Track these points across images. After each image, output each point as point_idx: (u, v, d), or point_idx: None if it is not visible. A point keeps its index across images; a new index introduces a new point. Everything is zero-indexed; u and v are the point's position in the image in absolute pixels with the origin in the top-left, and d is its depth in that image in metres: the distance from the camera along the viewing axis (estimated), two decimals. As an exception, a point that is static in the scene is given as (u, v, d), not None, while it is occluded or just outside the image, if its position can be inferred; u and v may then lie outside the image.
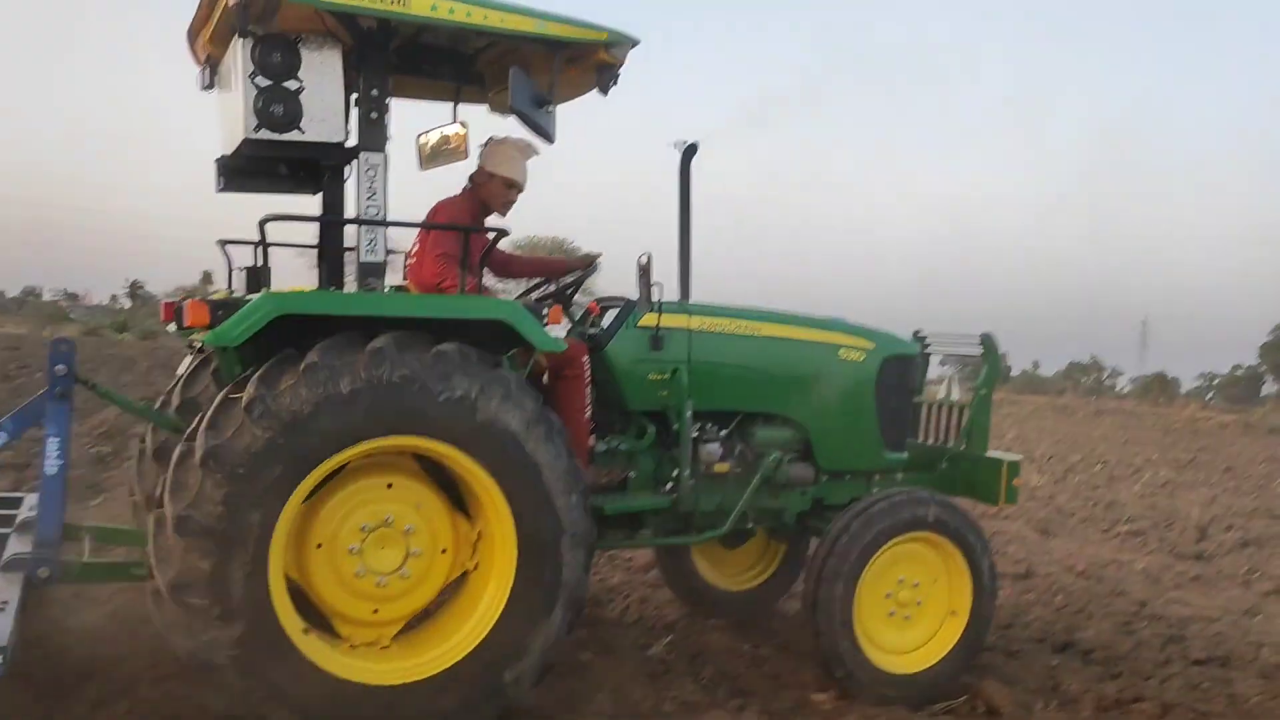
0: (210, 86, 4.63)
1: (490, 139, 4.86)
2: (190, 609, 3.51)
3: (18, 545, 4.05)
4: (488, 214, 4.81)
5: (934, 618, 4.73)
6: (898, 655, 4.65)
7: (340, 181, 4.56)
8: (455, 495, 4.02)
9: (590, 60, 4.19)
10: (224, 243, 4.72)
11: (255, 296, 3.72)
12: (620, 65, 4.20)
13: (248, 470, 3.52)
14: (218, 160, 4.46)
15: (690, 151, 4.71)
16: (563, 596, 3.92)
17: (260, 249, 3.93)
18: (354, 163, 4.14)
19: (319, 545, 3.80)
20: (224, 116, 4.31)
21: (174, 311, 4.51)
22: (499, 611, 3.86)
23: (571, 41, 4.07)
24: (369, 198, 4.06)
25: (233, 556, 3.53)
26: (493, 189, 4.79)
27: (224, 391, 3.69)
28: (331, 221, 4.12)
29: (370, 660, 3.80)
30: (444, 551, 3.97)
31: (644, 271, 4.62)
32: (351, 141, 4.11)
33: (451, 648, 3.85)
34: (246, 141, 3.90)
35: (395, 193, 4.31)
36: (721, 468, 4.85)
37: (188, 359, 4.79)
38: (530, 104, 3.98)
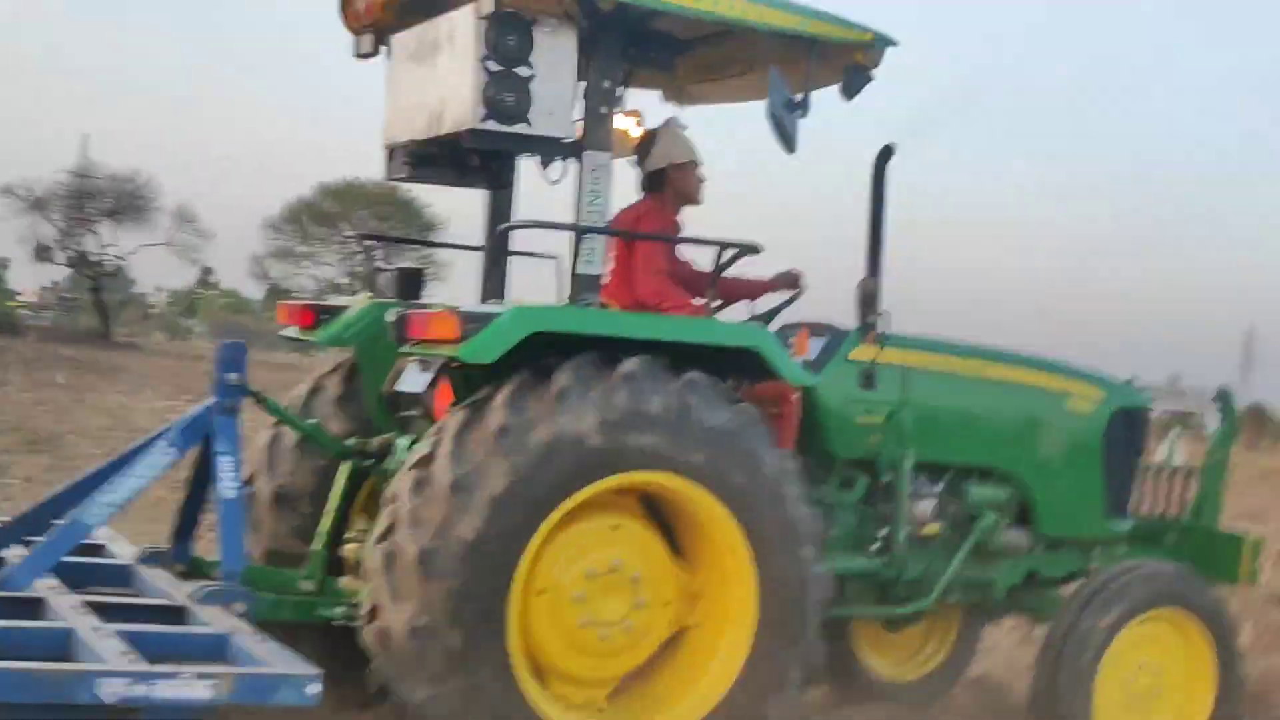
0: (369, 55, 6.16)
1: (647, 133, 6.38)
2: (430, 653, 4.91)
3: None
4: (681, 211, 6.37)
5: (1173, 709, 6.39)
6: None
7: (512, 179, 6.16)
8: (671, 542, 5.57)
9: (840, 60, 5.80)
10: (365, 238, 6.28)
11: (502, 310, 5.17)
12: (875, 68, 5.82)
13: (499, 501, 4.98)
14: (394, 145, 5.99)
15: (886, 154, 6.34)
16: (800, 659, 5.47)
17: (498, 258, 5.45)
18: (558, 162, 5.67)
19: (542, 591, 5.21)
20: (410, 96, 5.81)
21: (307, 316, 6.06)
22: (737, 672, 5.36)
23: (833, 41, 5.69)
24: (592, 201, 5.59)
25: (476, 597, 4.97)
26: (686, 179, 6.31)
27: (459, 414, 5.18)
28: (563, 228, 5.57)
29: None
30: (667, 604, 5.44)
31: (869, 298, 6.26)
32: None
33: (683, 711, 5.38)
34: (471, 132, 5.32)
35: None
36: (932, 529, 6.40)
37: (318, 373, 6.32)
38: (784, 108, 5.58)
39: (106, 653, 4.22)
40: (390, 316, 5.41)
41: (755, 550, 5.40)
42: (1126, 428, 6.95)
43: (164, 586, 5.40)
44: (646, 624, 5.42)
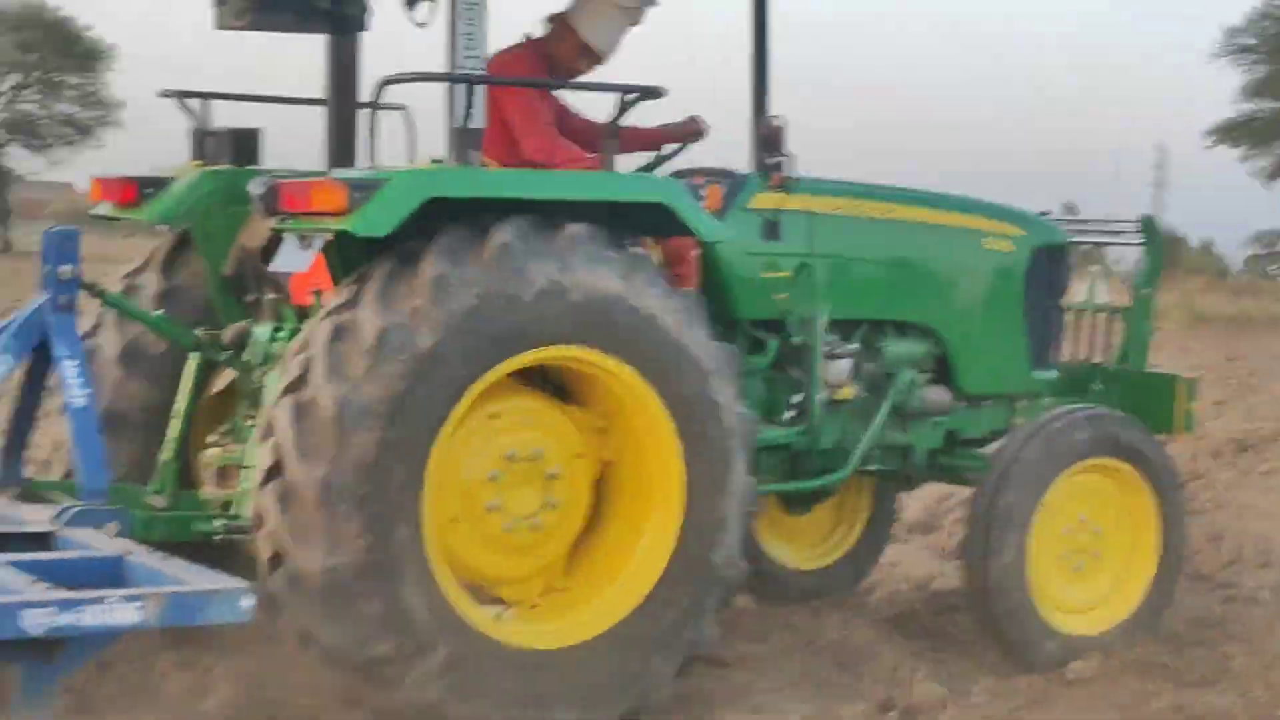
0: None
1: None
2: (349, 597, 5.61)
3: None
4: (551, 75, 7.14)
5: (1116, 567, 7.55)
6: (1078, 615, 7.44)
7: (364, 23, 6.84)
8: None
9: None
10: (178, 94, 6.89)
11: (390, 173, 5.87)
12: None
13: (391, 416, 5.64)
14: None
15: None
16: (738, 500, 6.31)
17: (371, 113, 6.12)
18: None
19: (453, 519, 6.01)
20: None
21: (129, 191, 6.70)
22: (675, 525, 6.22)
23: None
24: (468, 47, 6.31)
25: (393, 525, 5.68)
26: (566, 49, 7.12)
27: (325, 312, 5.84)
28: (452, 79, 6.14)
29: (531, 623, 6.19)
30: (579, 456, 6.28)
31: (771, 137, 7.13)
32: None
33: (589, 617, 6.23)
34: None
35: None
36: (847, 392, 7.38)
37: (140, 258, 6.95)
38: None
39: (15, 584, 4.89)
40: (256, 186, 6.08)
41: (666, 401, 6.23)
42: (1048, 267, 8.04)
43: (3, 513, 6.02)
44: (570, 492, 6.31)
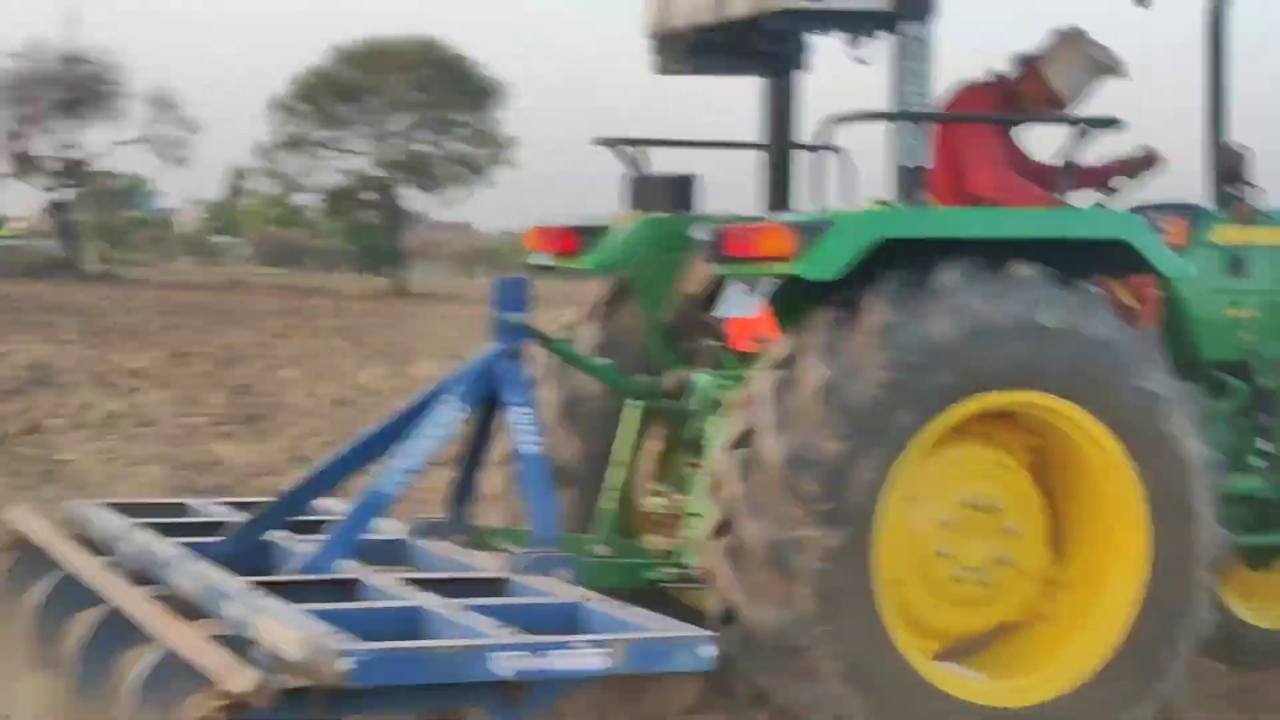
0: None
1: (1063, 29, 7.25)
2: (805, 657, 5.82)
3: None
4: None
5: None
6: None
7: (802, 63, 7.06)
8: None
9: None
10: (614, 141, 7.22)
11: (836, 215, 6.08)
12: None
13: (839, 471, 5.82)
14: (664, 33, 6.93)
15: None
16: (1188, 631, 6.33)
17: (816, 155, 6.35)
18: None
19: (901, 564, 6.09)
20: None
21: (568, 240, 7.05)
22: (1122, 632, 6.24)
23: None
24: (914, 84, 6.47)
25: (845, 581, 5.84)
26: (1030, 92, 7.27)
27: (770, 363, 6.05)
28: (900, 118, 6.33)
29: (988, 679, 6.26)
30: (1036, 514, 6.35)
31: (1232, 165, 7.09)
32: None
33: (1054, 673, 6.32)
34: (785, 14, 6.26)
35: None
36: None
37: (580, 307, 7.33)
38: None
39: (481, 628, 5.22)
40: (702, 233, 6.36)
41: (1146, 486, 6.26)
42: None
43: (456, 559, 6.42)
44: (1019, 557, 6.38)
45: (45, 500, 11.34)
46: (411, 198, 59.97)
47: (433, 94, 58.83)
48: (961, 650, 6.47)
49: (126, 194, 64.07)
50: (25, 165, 60.96)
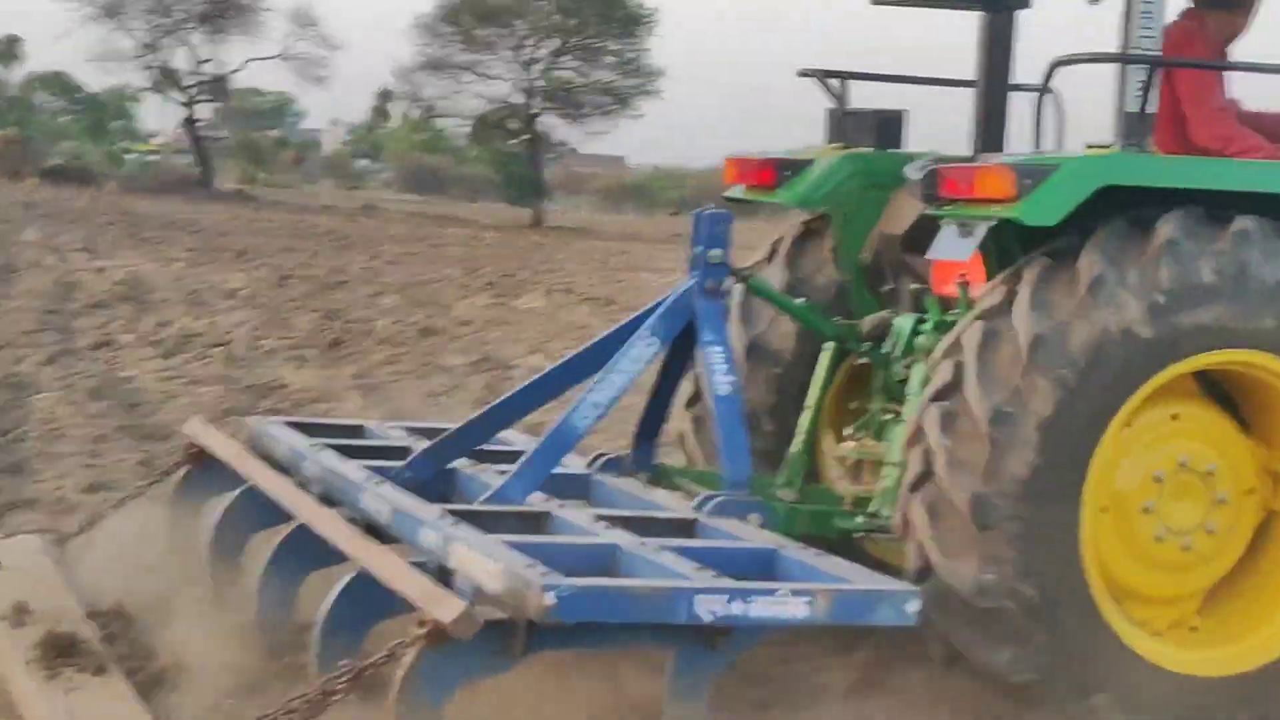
0: None
1: None
2: (1002, 617, 5.75)
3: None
4: None
5: None
6: None
7: (1023, 1, 6.96)
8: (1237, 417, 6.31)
9: None
10: (820, 73, 7.15)
11: (1060, 159, 5.99)
12: None
13: (1046, 430, 5.72)
14: None
15: None
16: None
17: (1038, 98, 6.25)
18: None
19: (1103, 509, 6.07)
20: None
21: (767, 173, 6.99)
22: None
23: None
24: (1145, 26, 6.34)
25: (1049, 543, 5.76)
26: (1232, 26, 7.08)
27: (976, 314, 5.99)
28: (1121, 60, 6.28)
29: (1184, 648, 6.16)
30: (1250, 492, 6.26)
31: None
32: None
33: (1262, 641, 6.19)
34: None
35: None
36: None
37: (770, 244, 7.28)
38: None
39: (681, 570, 5.21)
40: (915, 171, 6.29)
41: None
42: None
43: (640, 497, 6.41)
44: (1231, 521, 6.28)
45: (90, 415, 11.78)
46: (554, 127, 60.08)
47: (580, 19, 58.81)
48: (1171, 620, 6.37)
49: (271, 113, 64.57)
50: (164, 79, 61.74)
